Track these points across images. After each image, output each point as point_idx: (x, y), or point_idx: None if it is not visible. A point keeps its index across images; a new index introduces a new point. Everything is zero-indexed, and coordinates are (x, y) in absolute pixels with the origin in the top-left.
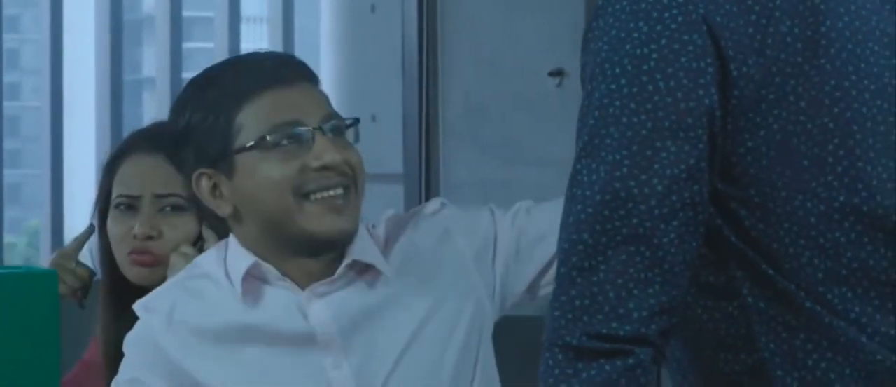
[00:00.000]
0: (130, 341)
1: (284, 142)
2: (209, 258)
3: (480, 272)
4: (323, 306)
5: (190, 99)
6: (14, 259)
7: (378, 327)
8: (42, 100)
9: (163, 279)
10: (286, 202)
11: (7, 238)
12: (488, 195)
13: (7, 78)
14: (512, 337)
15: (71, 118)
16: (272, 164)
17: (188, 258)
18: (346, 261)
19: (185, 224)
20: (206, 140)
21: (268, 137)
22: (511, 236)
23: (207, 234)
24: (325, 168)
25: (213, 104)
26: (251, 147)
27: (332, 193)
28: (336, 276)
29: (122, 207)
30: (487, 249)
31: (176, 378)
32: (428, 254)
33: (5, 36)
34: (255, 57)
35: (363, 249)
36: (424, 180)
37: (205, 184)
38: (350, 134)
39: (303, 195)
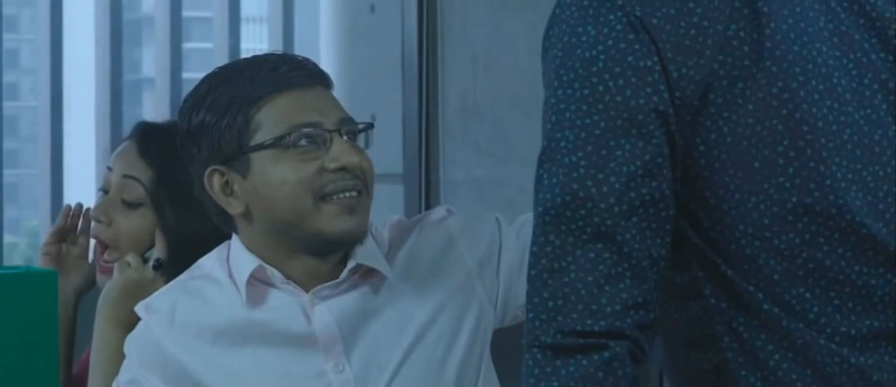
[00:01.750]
0: (131, 342)
1: (302, 142)
2: (211, 260)
3: (483, 281)
4: (325, 310)
5: (205, 96)
6: (15, 259)
7: (380, 331)
8: (41, 100)
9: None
10: (303, 203)
11: (7, 238)
12: (489, 195)
13: (5, 78)
14: (510, 339)
15: (70, 118)
16: (289, 164)
17: (125, 269)
18: (350, 264)
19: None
20: (221, 137)
21: (286, 137)
22: (516, 246)
23: (158, 239)
24: (342, 169)
25: (230, 102)
26: (268, 146)
27: (347, 194)
28: (340, 279)
29: None
30: (492, 257)
31: (177, 379)
32: (431, 260)
33: (4, 35)
34: (273, 58)
35: (367, 253)
36: (424, 180)
37: (217, 181)
38: (360, 139)
39: (321, 197)
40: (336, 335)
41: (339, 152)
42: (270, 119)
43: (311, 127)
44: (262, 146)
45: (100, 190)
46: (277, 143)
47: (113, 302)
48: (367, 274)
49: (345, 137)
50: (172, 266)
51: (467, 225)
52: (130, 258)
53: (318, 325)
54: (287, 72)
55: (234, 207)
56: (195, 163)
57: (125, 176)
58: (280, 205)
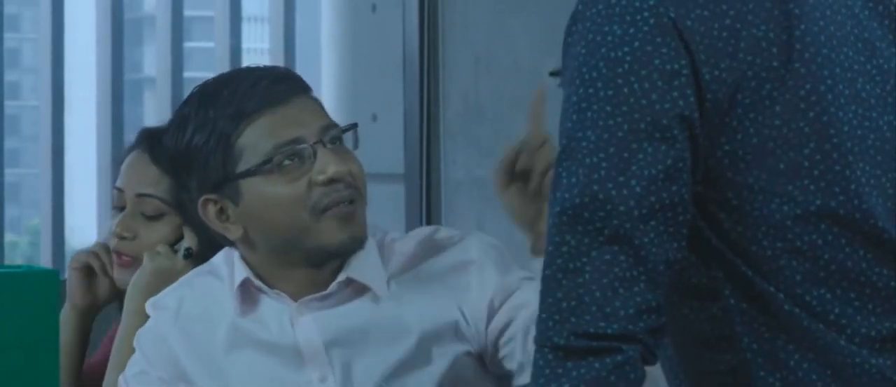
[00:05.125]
0: (142, 336)
1: (286, 162)
2: (220, 257)
3: (482, 320)
4: (309, 321)
5: (190, 118)
6: (16, 258)
7: (368, 346)
8: (42, 99)
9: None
10: (300, 220)
11: (8, 237)
12: (490, 196)
13: (7, 77)
14: None
15: (71, 117)
16: (278, 185)
17: (155, 257)
18: (340, 278)
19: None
20: (206, 165)
21: (269, 160)
22: (507, 316)
23: (187, 231)
24: (331, 181)
25: (212, 127)
26: (254, 172)
27: (343, 205)
28: (327, 292)
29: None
30: (495, 305)
31: (183, 376)
32: (439, 283)
33: (5, 35)
34: (251, 75)
35: (363, 267)
36: (426, 180)
37: (211, 209)
38: (349, 139)
39: (318, 212)
40: (319, 347)
41: (325, 164)
42: (253, 143)
43: (294, 144)
44: (248, 173)
45: (114, 208)
46: (262, 167)
47: (143, 288)
48: (361, 288)
49: (329, 146)
50: (207, 257)
51: (490, 262)
52: (161, 247)
53: (301, 336)
54: (264, 89)
55: (232, 233)
56: (188, 190)
57: (139, 195)
58: (278, 225)
